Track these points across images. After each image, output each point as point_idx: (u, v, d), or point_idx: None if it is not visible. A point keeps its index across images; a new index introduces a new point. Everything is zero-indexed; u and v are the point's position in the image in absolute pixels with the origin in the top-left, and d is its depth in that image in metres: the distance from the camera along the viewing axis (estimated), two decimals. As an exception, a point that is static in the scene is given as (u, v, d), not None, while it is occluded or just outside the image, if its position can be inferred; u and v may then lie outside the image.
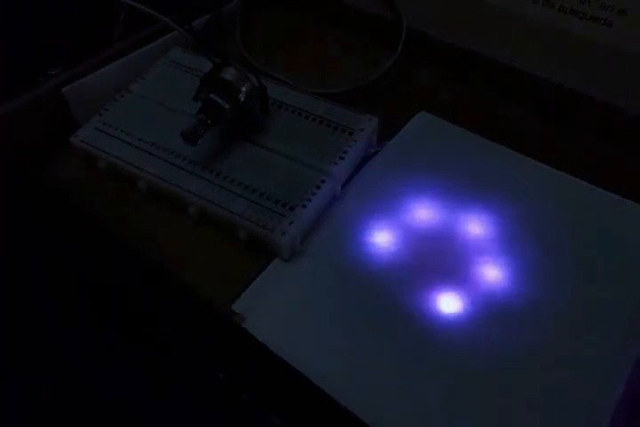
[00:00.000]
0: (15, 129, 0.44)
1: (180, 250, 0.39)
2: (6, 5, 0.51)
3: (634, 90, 0.42)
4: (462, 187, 0.41)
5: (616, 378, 0.32)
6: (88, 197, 0.41)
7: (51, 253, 0.45)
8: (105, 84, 0.47)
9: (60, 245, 0.45)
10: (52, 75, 0.47)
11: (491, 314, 0.35)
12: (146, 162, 0.41)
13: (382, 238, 0.39)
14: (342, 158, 0.40)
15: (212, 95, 0.39)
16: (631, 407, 0.32)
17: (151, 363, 0.41)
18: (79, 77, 0.46)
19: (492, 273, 0.37)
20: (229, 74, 0.39)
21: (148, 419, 0.39)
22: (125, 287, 0.42)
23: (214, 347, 0.39)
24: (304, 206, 0.38)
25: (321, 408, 0.32)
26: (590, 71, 0.43)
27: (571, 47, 0.43)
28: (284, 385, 0.34)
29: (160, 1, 0.46)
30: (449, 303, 0.35)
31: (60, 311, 0.45)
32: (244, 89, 0.39)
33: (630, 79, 0.42)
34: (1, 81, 0.47)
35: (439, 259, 0.38)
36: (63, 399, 0.41)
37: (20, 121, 0.44)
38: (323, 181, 0.39)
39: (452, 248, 0.38)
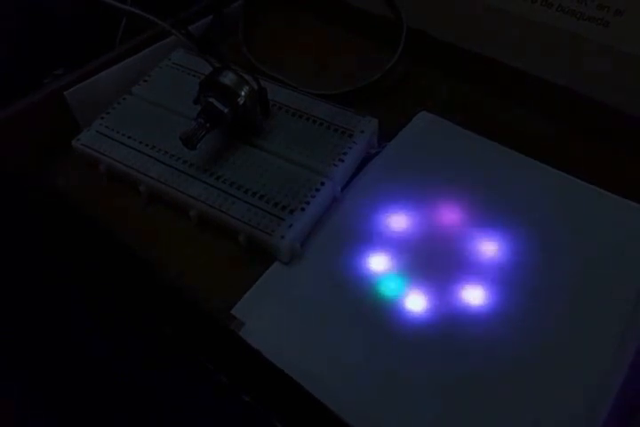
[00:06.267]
0: (17, 132, 0.44)
1: (180, 253, 0.39)
2: (8, 11, 0.51)
3: (633, 90, 0.42)
4: (463, 187, 0.41)
5: (615, 372, 0.32)
6: (89, 200, 0.41)
7: (51, 256, 0.46)
8: (107, 87, 0.47)
9: (61, 248, 0.46)
10: (58, 75, 0.47)
11: (490, 315, 0.35)
12: (147, 165, 0.41)
13: (383, 240, 0.39)
14: (342, 160, 0.41)
15: (210, 99, 0.39)
16: (632, 398, 0.32)
17: (149, 364, 0.42)
18: (81, 81, 0.46)
19: (493, 274, 0.37)
20: (228, 78, 0.39)
21: (147, 420, 0.40)
22: (124, 289, 0.42)
23: (215, 349, 0.39)
24: (303, 209, 0.38)
25: (323, 411, 0.32)
26: (590, 71, 0.43)
27: (570, 47, 0.43)
28: (285, 387, 0.34)
29: (162, 2, 0.47)
30: (450, 306, 0.35)
31: (58, 312, 0.45)
32: (242, 93, 0.39)
33: (629, 79, 0.42)
34: (4, 84, 0.48)
35: (440, 260, 0.38)
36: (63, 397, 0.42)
37: (22, 124, 0.44)
38: (322, 184, 0.39)
39: (452, 249, 0.38)
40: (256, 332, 0.35)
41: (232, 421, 0.39)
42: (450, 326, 0.35)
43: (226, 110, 0.39)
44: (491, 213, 0.39)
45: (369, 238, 0.39)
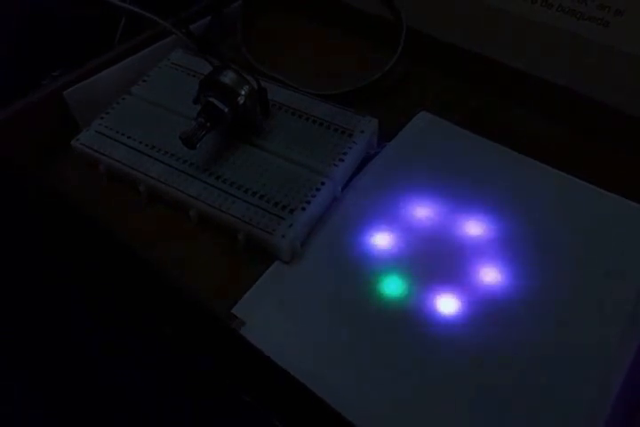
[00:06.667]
0: (17, 132, 0.44)
1: (180, 253, 0.39)
2: (8, 11, 0.51)
3: (633, 90, 0.42)
4: (463, 187, 0.41)
5: (615, 372, 0.32)
6: (89, 200, 0.41)
7: (51, 256, 0.46)
8: (106, 86, 0.47)
9: (61, 248, 0.45)
10: (56, 76, 0.47)
11: (490, 315, 0.35)
12: (147, 165, 0.41)
13: (383, 240, 0.39)
14: (342, 160, 0.41)
15: (210, 99, 0.39)
16: (632, 398, 0.32)
17: (149, 364, 0.42)
18: (80, 80, 0.46)
19: (493, 274, 0.37)
20: (228, 77, 0.39)
21: (148, 420, 0.40)
22: (125, 289, 0.42)
23: (215, 349, 0.39)
24: (303, 209, 0.38)
25: (323, 411, 0.32)
26: (590, 71, 0.43)
27: (570, 47, 0.43)
28: (286, 386, 0.34)
29: (162, 3, 0.47)
30: (449, 305, 0.35)
31: (58, 312, 0.45)
32: (243, 92, 0.39)
33: (629, 79, 0.42)
34: (4, 84, 0.48)
35: (440, 260, 0.38)
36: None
37: (22, 124, 0.44)
38: (322, 183, 0.39)
39: (452, 249, 0.38)
40: (257, 331, 0.35)
41: (232, 421, 0.39)
42: (449, 326, 0.35)
43: (226, 110, 0.39)
44: (490, 213, 0.39)
45: (369, 238, 0.39)
